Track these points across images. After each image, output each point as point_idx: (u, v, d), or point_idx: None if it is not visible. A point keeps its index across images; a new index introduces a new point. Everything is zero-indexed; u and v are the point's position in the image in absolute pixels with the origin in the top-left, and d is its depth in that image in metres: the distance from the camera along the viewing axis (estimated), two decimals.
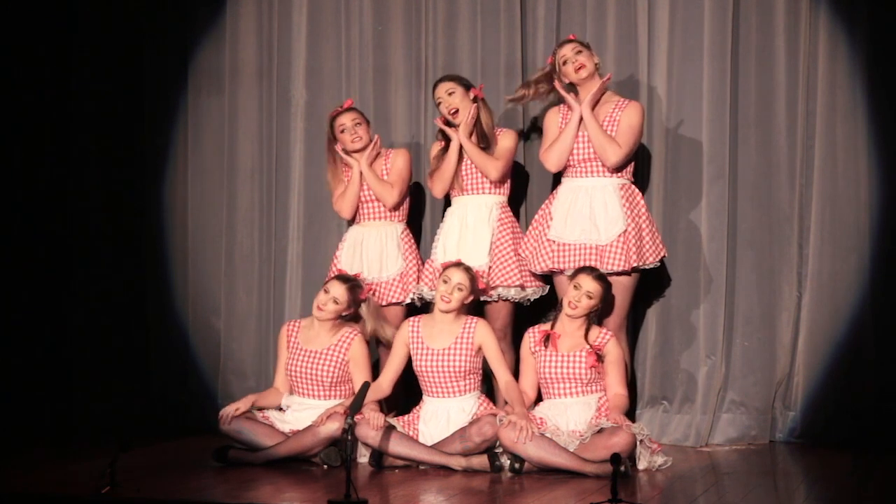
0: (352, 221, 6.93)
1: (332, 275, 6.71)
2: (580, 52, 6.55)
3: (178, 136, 7.74)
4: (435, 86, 6.78)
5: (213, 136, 7.67)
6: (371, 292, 6.64)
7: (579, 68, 6.53)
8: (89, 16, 7.77)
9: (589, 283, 6.28)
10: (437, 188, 6.80)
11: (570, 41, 6.60)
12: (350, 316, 6.58)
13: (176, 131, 7.73)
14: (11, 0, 7.60)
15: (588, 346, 6.27)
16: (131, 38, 7.76)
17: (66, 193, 7.81)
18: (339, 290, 6.51)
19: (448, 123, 6.76)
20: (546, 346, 6.29)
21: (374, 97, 7.34)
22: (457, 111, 6.69)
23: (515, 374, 6.44)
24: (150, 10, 7.75)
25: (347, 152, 6.85)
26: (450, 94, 6.71)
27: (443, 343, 6.35)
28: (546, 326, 6.38)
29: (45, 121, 7.77)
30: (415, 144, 7.28)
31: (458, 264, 6.40)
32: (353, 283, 6.55)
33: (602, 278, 6.32)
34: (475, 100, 6.72)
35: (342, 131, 6.82)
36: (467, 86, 6.75)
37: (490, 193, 6.73)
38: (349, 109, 6.87)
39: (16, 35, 7.66)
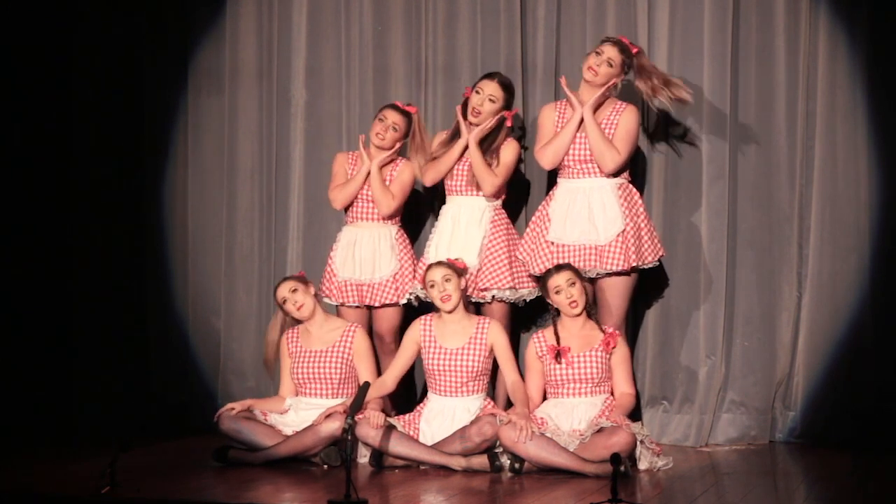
0: (346, 219, 6.92)
1: (334, 275, 6.80)
2: (611, 66, 6.50)
3: (178, 136, 7.74)
4: (491, 76, 6.71)
5: (213, 136, 7.67)
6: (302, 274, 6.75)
7: (590, 69, 6.47)
8: (89, 16, 7.77)
9: (563, 276, 6.29)
10: (428, 176, 6.76)
11: (622, 51, 6.48)
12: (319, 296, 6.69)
13: (176, 131, 7.73)
14: (12, 0, 7.60)
15: (600, 331, 6.29)
16: (131, 38, 7.76)
17: (66, 193, 7.81)
18: (287, 285, 6.59)
19: (464, 115, 6.72)
20: (559, 362, 6.29)
21: (374, 97, 7.33)
22: (480, 113, 6.65)
23: None
24: (150, 10, 7.75)
25: (366, 145, 6.82)
26: (491, 100, 6.66)
27: (457, 343, 6.35)
28: (549, 333, 6.37)
29: (45, 120, 7.76)
30: None
31: (429, 266, 6.41)
32: (296, 277, 6.64)
33: (562, 265, 6.34)
34: (502, 119, 6.68)
35: (380, 120, 6.80)
36: (509, 104, 6.70)
37: (485, 196, 6.71)
38: (400, 111, 6.81)
39: (16, 35, 7.66)
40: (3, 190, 7.64)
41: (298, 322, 6.65)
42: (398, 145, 6.81)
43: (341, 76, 7.44)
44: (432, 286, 6.36)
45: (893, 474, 6.07)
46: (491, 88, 6.67)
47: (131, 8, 7.76)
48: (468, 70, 7.15)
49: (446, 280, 6.34)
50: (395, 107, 6.83)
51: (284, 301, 6.58)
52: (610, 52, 6.48)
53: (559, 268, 6.35)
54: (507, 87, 6.72)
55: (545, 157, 6.57)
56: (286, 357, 6.64)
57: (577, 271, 6.35)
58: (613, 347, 6.29)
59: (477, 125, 6.67)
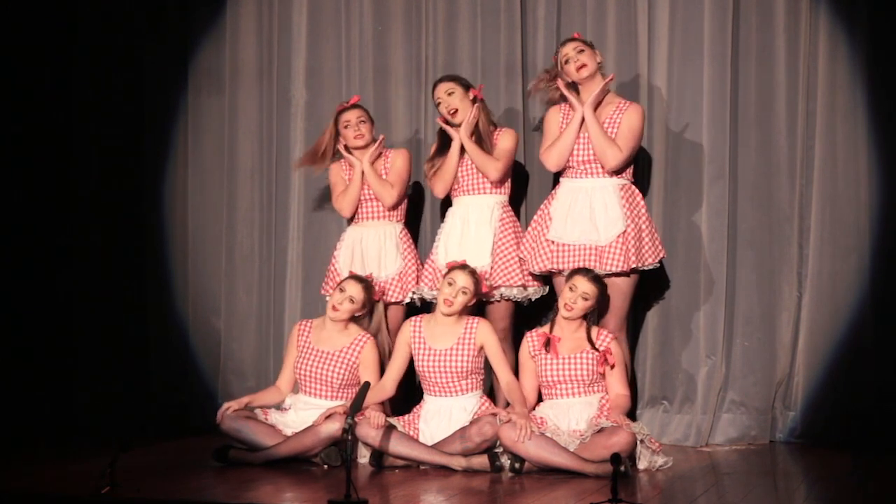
0: (350, 220, 6.94)
1: (337, 275, 6.75)
2: (582, 51, 6.54)
3: (178, 136, 7.74)
4: (434, 86, 6.78)
5: (213, 136, 7.67)
6: (382, 293, 6.66)
7: (580, 68, 6.52)
8: (89, 16, 7.77)
9: (584, 285, 6.28)
10: (438, 188, 6.80)
11: (574, 40, 6.59)
12: (361, 317, 6.58)
13: (176, 131, 7.73)
14: (12, 0, 7.60)
15: (592, 349, 6.27)
16: (131, 38, 7.76)
17: (66, 193, 7.81)
18: (355, 290, 6.52)
19: (448, 123, 6.76)
20: (547, 351, 6.30)
21: (374, 97, 7.34)
22: (456, 111, 6.69)
23: (515, 372, 6.44)
24: (150, 10, 7.75)
25: (349, 151, 6.86)
26: (449, 94, 6.71)
27: (445, 343, 6.35)
28: (544, 330, 6.38)
29: (46, 121, 7.77)
30: (415, 144, 7.29)
31: (464, 266, 6.40)
32: (367, 283, 6.57)
33: (597, 279, 6.32)
34: (474, 100, 6.72)
35: (346, 127, 6.83)
36: (466, 86, 6.75)
37: (491, 193, 6.73)
38: (355, 106, 6.88)
39: (16, 35, 7.66)
40: (3, 190, 7.64)
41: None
42: (375, 134, 6.85)
43: (341, 76, 7.44)
44: (450, 284, 6.34)
45: (893, 474, 6.07)
46: (443, 89, 6.73)
47: (131, 8, 7.76)
48: (468, 70, 7.15)
49: (462, 292, 6.33)
50: (347, 108, 6.87)
51: (342, 290, 6.53)
52: (569, 49, 6.54)
53: (594, 279, 6.30)
54: (454, 77, 6.79)
55: (550, 159, 6.58)
56: (293, 348, 6.63)
57: (603, 293, 6.32)
58: (611, 367, 6.28)
59: (461, 122, 6.69)
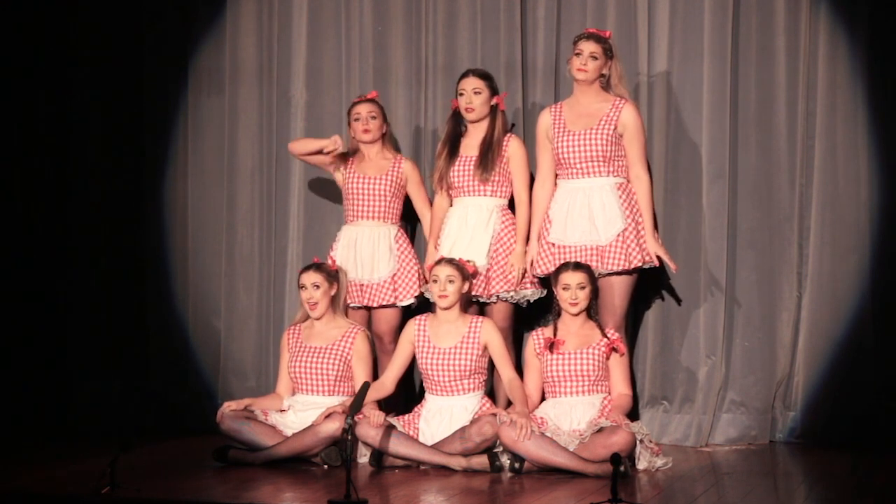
0: (345, 217, 6.94)
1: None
2: (596, 59, 6.51)
3: (178, 136, 7.73)
4: (465, 75, 6.74)
5: (213, 136, 7.67)
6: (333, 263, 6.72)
7: (580, 70, 6.51)
8: (89, 16, 7.77)
9: (576, 277, 6.29)
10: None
11: (599, 41, 6.52)
12: (337, 296, 6.61)
13: (176, 131, 7.73)
14: (11, 0, 7.60)
15: (602, 336, 6.28)
16: (131, 37, 7.76)
17: (66, 193, 7.81)
18: (312, 277, 6.54)
19: (458, 119, 6.73)
20: (551, 352, 6.29)
21: None
22: (472, 109, 6.67)
23: (517, 372, 6.44)
24: (150, 10, 7.75)
25: (342, 156, 6.86)
26: (476, 92, 6.68)
27: (449, 342, 6.35)
28: (548, 330, 6.37)
29: (45, 121, 7.77)
30: (415, 144, 7.28)
31: (440, 261, 6.41)
32: (315, 264, 6.61)
33: (581, 265, 6.33)
34: (495, 107, 6.70)
35: (356, 119, 6.85)
36: (494, 90, 6.72)
37: (491, 196, 6.72)
38: (369, 100, 6.88)
39: (16, 35, 7.66)
40: (3, 190, 7.64)
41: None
42: (386, 130, 6.88)
43: (341, 76, 7.44)
44: (435, 281, 6.36)
45: (893, 474, 6.07)
46: (471, 84, 6.69)
47: (131, 8, 7.75)
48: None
49: (449, 281, 6.34)
50: (359, 101, 6.90)
51: (303, 287, 6.57)
52: (588, 46, 6.50)
53: (577, 266, 6.33)
54: (485, 76, 6.75)
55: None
56: (286, 352, 6.64)
57: (592, 276, 6.33)
58: (621, 355, 6.30)
59: (474, 121, 6.67)
